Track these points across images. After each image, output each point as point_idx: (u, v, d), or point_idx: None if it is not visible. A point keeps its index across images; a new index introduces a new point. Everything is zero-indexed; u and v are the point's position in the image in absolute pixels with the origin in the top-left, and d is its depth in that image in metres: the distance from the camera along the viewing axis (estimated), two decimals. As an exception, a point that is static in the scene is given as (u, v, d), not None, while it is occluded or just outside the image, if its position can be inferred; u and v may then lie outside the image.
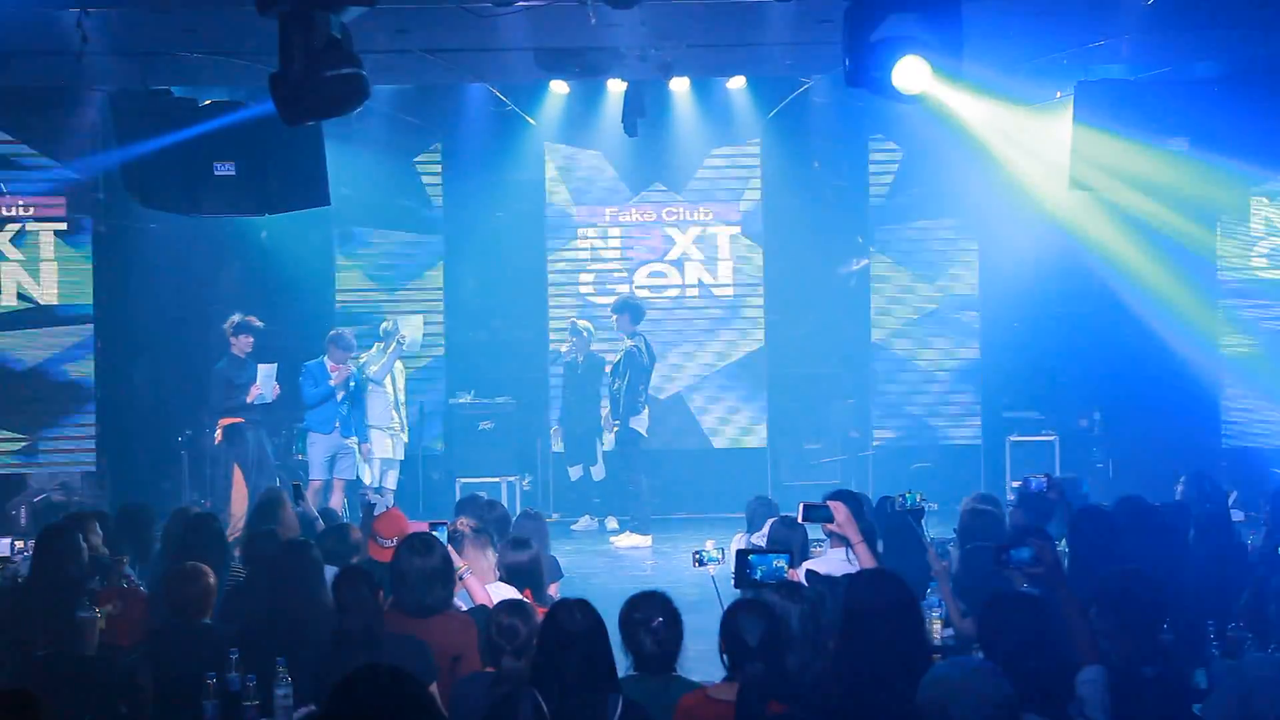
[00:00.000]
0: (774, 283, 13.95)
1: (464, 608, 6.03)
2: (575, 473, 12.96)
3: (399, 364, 12.37)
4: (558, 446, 13.19)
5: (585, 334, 12.75)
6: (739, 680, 4.51)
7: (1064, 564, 6.86)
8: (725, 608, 4.81)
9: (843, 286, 14.20)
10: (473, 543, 6.49)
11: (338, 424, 11.82)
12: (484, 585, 6.20)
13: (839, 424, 13.97)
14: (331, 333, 11.98)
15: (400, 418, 12.26)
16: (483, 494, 10.02)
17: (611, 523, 12.73)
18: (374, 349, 12.27)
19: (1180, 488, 8.48)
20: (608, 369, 12.61)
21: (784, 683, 4.53)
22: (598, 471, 12.90)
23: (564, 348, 12.88)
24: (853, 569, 6.04)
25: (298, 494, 8.68)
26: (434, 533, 6.27)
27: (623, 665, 4.79)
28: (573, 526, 12.88)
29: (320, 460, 11.79)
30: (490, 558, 6.50)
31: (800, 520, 6.43)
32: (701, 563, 6.42)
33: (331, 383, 11.67)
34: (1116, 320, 13.23)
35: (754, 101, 13.25)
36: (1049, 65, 10.73)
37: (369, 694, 3.16)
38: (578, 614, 4.46)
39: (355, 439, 11.99)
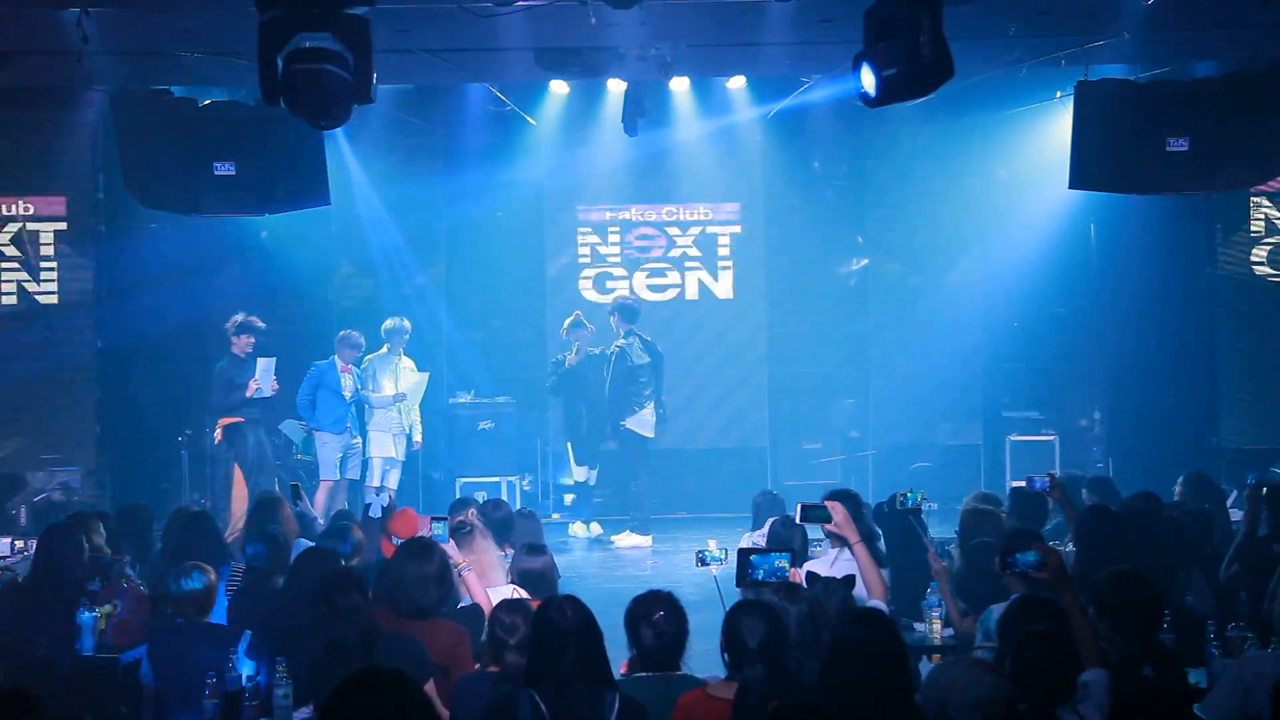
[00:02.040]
0: (774, 283, 13.95)
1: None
2: (581, 474, 12.70)
3: (407, 362, 12.29)
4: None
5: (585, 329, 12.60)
6: (739, 680, 4.51)
7: (1070, 563, 6.88)
8: (727, 608, 4.82)
9: (843, 286, 14.21)
10: (482, 535, 6.50)
11: (349, 424, 11.89)
12: (484, 581, 6.19)
13: (839, 424, 13.98)
14: (340, 333, 12.02)
15: (403, 419, 12.21)
16: (481, 494, 10.05)
17: (596, 528, 12.68)
18: (383, 349, 12.23)
19: (1178, 488, 8.48)
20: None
21: (784, 683, 4.53)
22: (593, 475, 12.76)
23: (572, 357, 12.50)
24: (852, 568, 6.05)
25: (296, 494, 8.68)
26: (433, 530, 6.27)
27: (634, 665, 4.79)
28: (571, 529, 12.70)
29: (332, 460, 11.83)
30: (495, 554, 6.49)
31: (799, 521, 6.44)
32: (704, 562, 6.44)
33: (343, 388, 11.77)
34: (1116, 320, 13.24)
35: (754, 101, 13.25)
36: (1049, 65, 10.73)
37: (367, 696, 3.16)
38: (568, 610, 4.45)
39: (360, 439, 12.05)
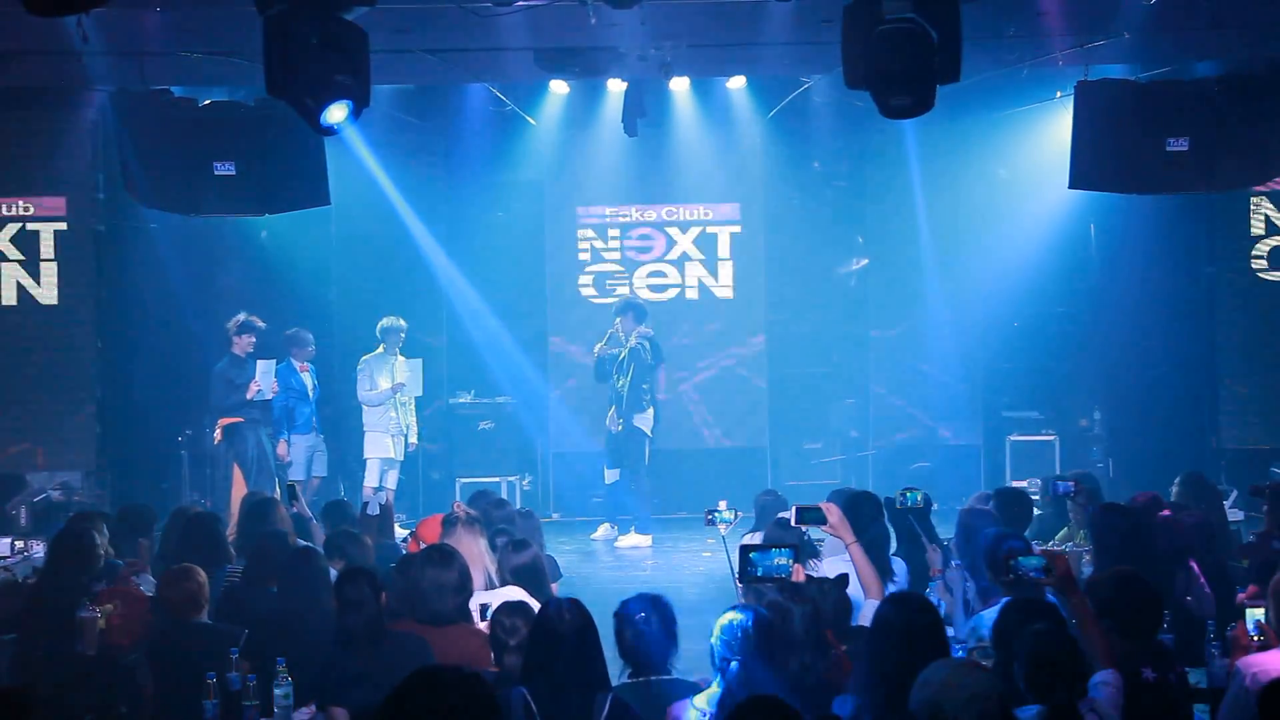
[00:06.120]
0: (774, 283, 13.95)
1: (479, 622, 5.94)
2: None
3: (401, 360, 12.25)
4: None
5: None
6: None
7: (1090, 563, 6.88)
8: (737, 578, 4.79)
9: (843, 286, 14.20)
10: (465, 528, 6.47)
11: (315, 423, 11.88)
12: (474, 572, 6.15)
13: (839, 424, 13.98)
14: (288, 332, 11.90)
15: (400, 419, 12.18)
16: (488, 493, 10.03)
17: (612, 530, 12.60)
18: (379, 349, 12.22)
19: (1176, 489, 8.48)
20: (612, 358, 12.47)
21: (758, 684, 4.51)
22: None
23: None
24: (848, 568, 6.04)
25: (292, 495, 8.68)
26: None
27: (623, 669, 4.79)
28: (593, 535, 12.47)
29: (302, 460, 11.83)
30: (482, 546, 6.46)
31: (794, 523, 6.41)
32: (713, 521, 6.55)
33: (306, 387, 11.79)
34: (1116, 320, 13.23)
35: (754, 101, 13.25)
36: (1049, 65, 10.73)
37: (430, 697, 3.05)
38: (566, 614, 4.46)
39: (322, 436, 12.06)
